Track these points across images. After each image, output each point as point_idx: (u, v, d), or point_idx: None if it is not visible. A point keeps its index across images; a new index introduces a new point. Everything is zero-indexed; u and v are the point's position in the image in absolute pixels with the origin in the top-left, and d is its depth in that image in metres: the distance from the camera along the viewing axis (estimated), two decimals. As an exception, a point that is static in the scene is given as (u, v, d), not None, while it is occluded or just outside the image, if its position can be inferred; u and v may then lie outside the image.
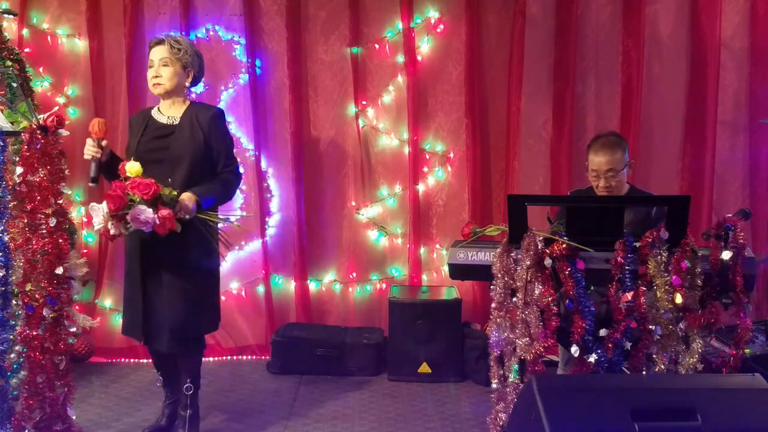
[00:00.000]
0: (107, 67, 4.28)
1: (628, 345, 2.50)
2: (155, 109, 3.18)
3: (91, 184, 2.93)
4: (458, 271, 2.89)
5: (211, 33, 4.27)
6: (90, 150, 2.93)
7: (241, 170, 4.19)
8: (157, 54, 3.08)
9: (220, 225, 3.13)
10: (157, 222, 2.74)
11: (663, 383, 2.12)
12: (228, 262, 4.28)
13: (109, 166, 3.01)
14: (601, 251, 2.54)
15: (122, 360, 4.28)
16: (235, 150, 3.26)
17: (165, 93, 3.10)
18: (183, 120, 3.09)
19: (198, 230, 2.96)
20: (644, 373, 2.53)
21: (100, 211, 2.74)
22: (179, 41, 3.12)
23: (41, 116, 2.65)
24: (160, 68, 3.07)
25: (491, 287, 2.70)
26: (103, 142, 2.96)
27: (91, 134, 2.94)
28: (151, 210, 2.73)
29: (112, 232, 2.76)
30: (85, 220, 4.36)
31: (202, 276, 3.09)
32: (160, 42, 3.10)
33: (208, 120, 3.09)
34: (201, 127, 3.07)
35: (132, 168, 2.82)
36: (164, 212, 2.76)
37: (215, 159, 3.10)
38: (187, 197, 2.89)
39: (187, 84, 3.17)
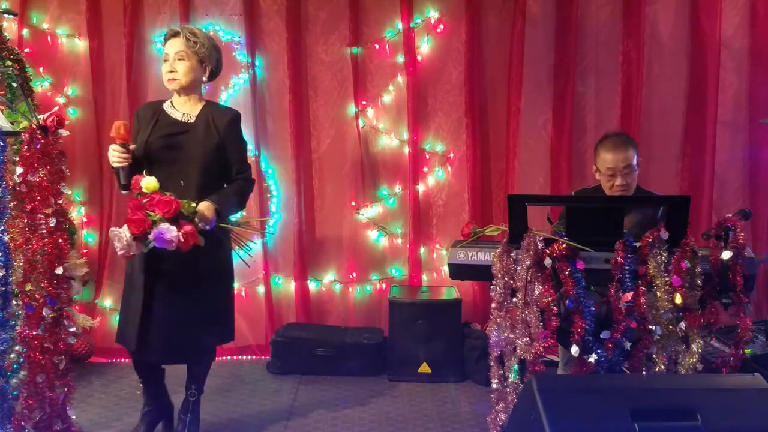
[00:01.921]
0: (107, 67, 4.29)
1: (628, 345, 2.50)
2: (167, 103, 3.04)
3: (123, 192, 2.85)
4: (458, 271, 2.89)
5: (211, 33, 4.27)
6: (116, 156, 2.82)
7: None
8: (173, 47, 2.95)
9: (233, 230, 3.08)
10: (182, 239, 2.66)
11: (663, 383, 2.12)
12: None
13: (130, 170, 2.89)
14: (601, 251, 2.54)
15: (122, 360, 4.28)
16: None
17: (180, 89, 2.97)
18: (198, 120, 2.97)
19: (210, 239, 2.85)
20: (644, 373, 2.53)
21: (123, 236, 2.64)
22: (196, 34, 2.97)
23: (41, 116, 2.65)
24: (175, 62, 2.93)
25: (491, 287, 2.70)
26: (131, 146, 2.85)
27: (114, 139, 2.82)
28: (175, 228, 2.65)
29: (132, 252, 2.70)
30: (85, 220, 4.37)
31: (215, 285, 3.00)
32: (176, 34, 2.96)
33: (225, 124, 2.98)
34: (217, 129, 2.96)
35: (149, 184, 2.72)
36: (187, 228, 2.68)
37: (229, 164, 3.00)
38: (206, 207, 2.79)
39: (204, 79, 3.03)
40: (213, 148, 2.94)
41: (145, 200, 2.69)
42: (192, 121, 2.98)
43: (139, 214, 2.65)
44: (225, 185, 3.02)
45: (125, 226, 2.66)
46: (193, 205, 2.76)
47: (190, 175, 2.90)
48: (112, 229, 2.70)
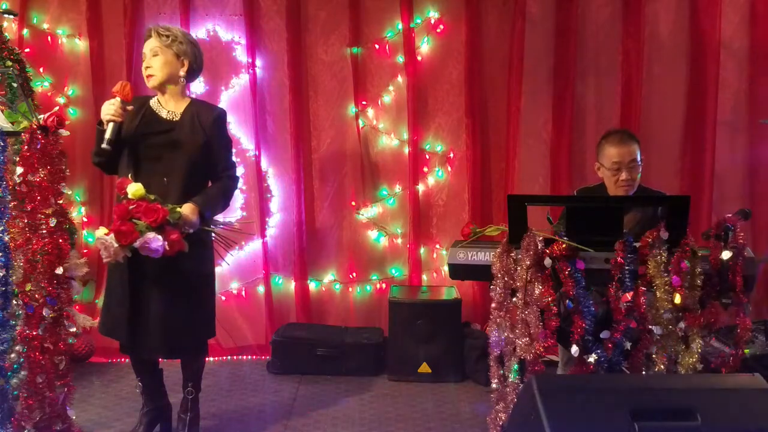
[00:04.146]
0: (107, 67, 4.28)
1: (628, 345, 2.50)
2: (154, 100, 3.05)
3: (104, 146, 2.77)
4: (458, 271, 2.89)
5: (211, 33, 4.27)
6: (113, 110, 2.79)
7: (242, 171, 4.24)
8: (148, 46, 2.98)
9: (218, 228, 3.10)
10: (167, 248, 2.67)
11: (663, 383, 2.12)
12: (228, 262, 4.26)
13: (115, 148, 2.84)
14: (601, 251, 2.54)
15: (122, 360, 4.28)
16: (234, 150, 3.23)
17: (159, 84, 2.99)
18: (183, 117, 2.99)
19: (193, 236, 2.86)
20: (644, 373, 2.53)
21: (110, 246, 2.64)
22: (169, 29, 2.99)
23: (41, 116, 2.65)
24: (150, 59, 2.97)
25: (491, 287, 2.69)
26: (129, 107, 2.82)
27: (114, 94, 2.80)
28: (161, 237, 2.65)
29: (119, 259, 2.69)
30: (85, 220, 4.37)
31: (199, 281, 3.02)
32: (149, 33, 3.00)
33: (211, 121, 3.00)
34: (203, 127, 2.97)
35: (136, 191, 2.70)
36: (173, 236, 2.68)
37: (215, 162, 3.01)
38: (190, 210, 2.81)
39: (182, 74, 3.00)
40: (199, 146, 2.95)
41: (131, 206, 2.67)
42: (177, 119, 2.99)
43: (128, 225, 2.64)
44: (209, 183, 3.03)
45: (112, 235, 2.65)
46: (179, 210, 2.76)
47: (175, 173, 2.90)
48: (99, 237, 2.68)
